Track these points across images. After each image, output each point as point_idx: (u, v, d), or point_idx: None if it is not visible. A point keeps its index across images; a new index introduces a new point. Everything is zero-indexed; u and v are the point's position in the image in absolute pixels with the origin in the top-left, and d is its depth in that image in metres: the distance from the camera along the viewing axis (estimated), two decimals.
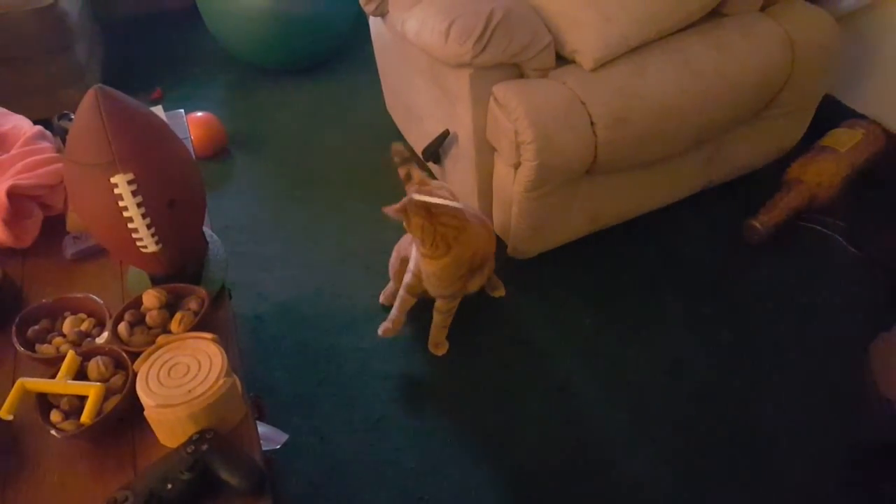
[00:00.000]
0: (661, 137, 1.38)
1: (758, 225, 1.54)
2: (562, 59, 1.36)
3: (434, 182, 1.21)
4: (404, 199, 1.17)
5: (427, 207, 1.15)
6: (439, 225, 1.16)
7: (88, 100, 0.69)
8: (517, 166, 1.33)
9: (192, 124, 1.86)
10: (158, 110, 1.13)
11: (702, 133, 1.44)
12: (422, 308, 1.40)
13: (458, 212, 1.19)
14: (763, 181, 1.67)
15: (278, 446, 1.13)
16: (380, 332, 1.38)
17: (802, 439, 1.22)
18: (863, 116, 1.72)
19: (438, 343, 1.40)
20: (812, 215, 1.61)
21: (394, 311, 1.38)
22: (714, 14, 1.44)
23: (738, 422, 1.26)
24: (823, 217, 1.61)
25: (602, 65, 1.32)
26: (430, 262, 1.22)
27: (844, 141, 1.62)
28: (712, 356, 1.37)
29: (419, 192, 1.17)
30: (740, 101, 1.43)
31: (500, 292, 1.50)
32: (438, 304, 1.35)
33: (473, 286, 1.36)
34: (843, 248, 1.57)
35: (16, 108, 1.09)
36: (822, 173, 1.57)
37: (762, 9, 1.48)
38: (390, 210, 1.16)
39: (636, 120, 1.31)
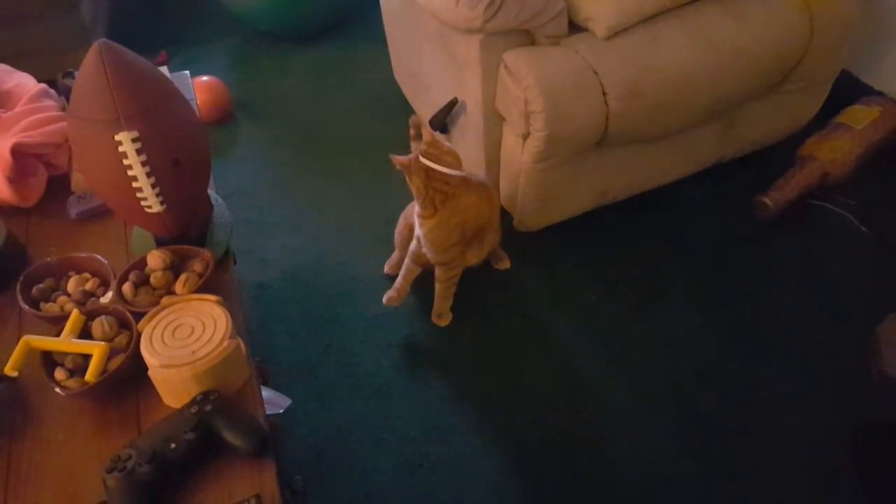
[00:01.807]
0: (675, 110, 1.35)
1: (769, 202, 1.52)
2: (575, 27, 1.33)
3: (445, 145, 1.22)
4: (412, 155, 1.20)
5: (426, 169, 1.18)
6: (431, 189, 1.19)
7: (92, 55, 0.67)
8: (526, 136, 1.31)
9: (197, 89, 1.83)
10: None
11: (715, 106, 1.41)
12: (426, 279, 1.40)
13: (454, 179, 1.20)
14: (776, 158, 1.64)
15: (281, 410, 1.14)
16: (384, 300, 1.39)
17: (806, 418, 1.23)
18: (880, 93, 1.68)
19: (441, 314, 1.40)
20: (825, 193, 1.58)
21: (399, 280, 1.39)
22: None
23: (741, 399, 1.26)
24: (836, 195, 1.58)
25: (616, 33, 1.29)
26: (422, 221, 1.25)
27: (860, 118, 1.59)
28: (718, 333, 1.37)
29: (426, 152, 1.19)
30: (756, 75, 1.40)
31: (505, 265, 1.50)
32: (437, 272, 1.35)
33: (473, 258, 1.36)
34: (855, 227, 1.54)
35: (18, 69, 1.07)
36: (836, 150, 1.55)
37: None
38: (396, 160, 1.20)
39: (649, 91, 1.28)
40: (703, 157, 1.58)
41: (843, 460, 1.16)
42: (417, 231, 1.30)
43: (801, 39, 1.40)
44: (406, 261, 1.38)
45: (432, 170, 1.18)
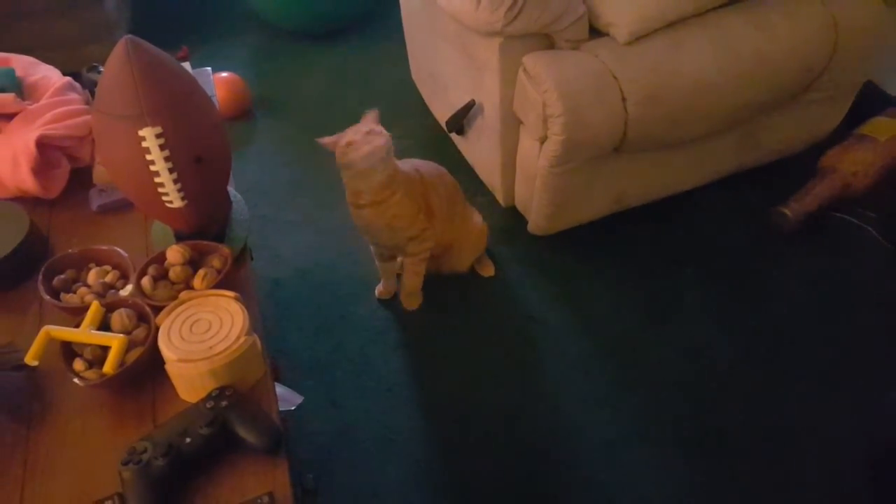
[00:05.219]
0: (695, 117, 1.34)
1: (788, 213, 1.51)
2: (595, 32, 1.32)
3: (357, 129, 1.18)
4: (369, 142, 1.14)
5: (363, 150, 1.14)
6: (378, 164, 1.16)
7: (119, 50, 0.68)
8: (543, 140, 1.31)
9: (216, 84, 1.85)
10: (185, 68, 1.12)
11: (736, 114, 1.40)
12: (440, 283, 1.40)
13: (392, 159, 1.20)
14: (797, 168, 1.62)
15: (293, 407, 1.15)
16: (376, 293, 1.44)
17: (823, 435, 1.20)
18: None
19: (411, 293, 1.39)
20: (846, 206, 1.56)
21: (382, 281, 1.44)
22: None
23: (755, 414, 1.24)
24: (857, 208, 1.56)
25: (637, 39, 1.28)
26: (386, 204, 1.20)
27: (884, 130, 1.56)
28: (733, 345, 1.35)
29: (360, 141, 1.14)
30: (778, 83, 1.38)
31: (489, 271, 1.49)
32: (407, 247, 1.31)
33: (438, 236, 1.32)
34: (877, 241, 1.52)
35: (43, 61, 1.08)
36: (858, 162, 1.52)
37: None
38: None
39: (669, 98, 1.28)
40: (722, 166, 1.57)
41: (861, 481, 1.14)
42: (368, 223, 1.25)
43: (825, 49, 1.39)
44: (377, 262, 1.41)
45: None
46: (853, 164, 1.53)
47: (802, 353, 1.34)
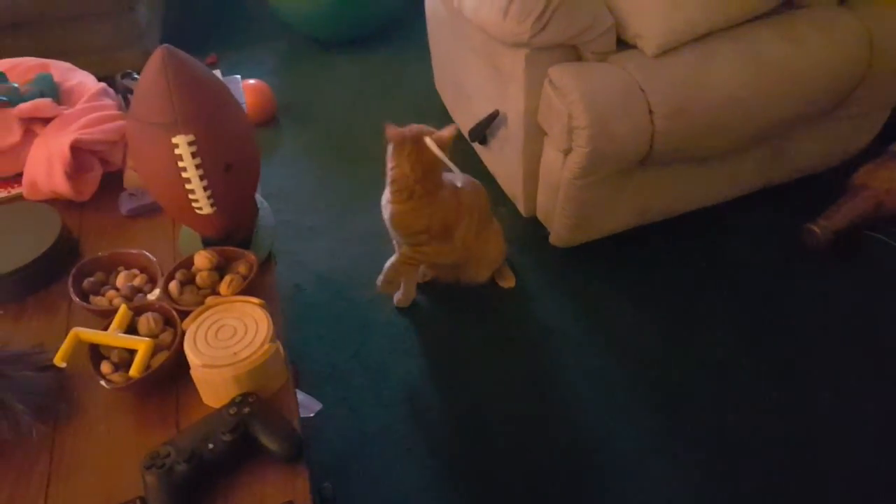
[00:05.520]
0: (723, 131, 1.32)
1: (817, 230, 1.47)
2: (623, 44, 1.32)
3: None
4: (415, 133, 1.19)
5: (424, 161, 1.18)
6: (421, 178, 1.19)
7: (155, 59, 0.69)
8: (568, 152, 1.30)
9: (244, 91, 1.88)
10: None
11: (766, 129, 1.38)
12: (460, 293, 1.40)
13: (441, 181, 1.23)
14: (827, 185, 1.58)
15: (312, 414, 1.15)
16: (395, 301, 1.45)
17: (847, 464, 1.17)
18: None
19: (389, 280, 1.39)
20: (878, 224, 1.52)
21: (402, 288, 1.44)
22: (788, 5, 1.36)
23: (777, 431, 1.22)
24: (890, 227, 1.52)
25: (665, 52, 1.27)
26: (392, 205, 1.26)
27: None
28: (758, 365, 1.32)
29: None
30: (810, 99, 1.36)
31: (510, 283, 1.48)
32: (402, 248, 1.35)
33: (445, 256, 1.35)
34: None
35: (77, 65, 1.11)
36: (892, 180, 1.48)
37: (841, 1, 1.40)
38: (393, 132, 1.20)
39: (698, 111, 1.26)
40: (751, 181, 1.54)
41: None
42: (384, 214, 1.31)
43: (858, 64, 1.36)
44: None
45: (431, 163, 1.18)
46: (886, 182, 1.49)
47: (828, 373, 1.30)
